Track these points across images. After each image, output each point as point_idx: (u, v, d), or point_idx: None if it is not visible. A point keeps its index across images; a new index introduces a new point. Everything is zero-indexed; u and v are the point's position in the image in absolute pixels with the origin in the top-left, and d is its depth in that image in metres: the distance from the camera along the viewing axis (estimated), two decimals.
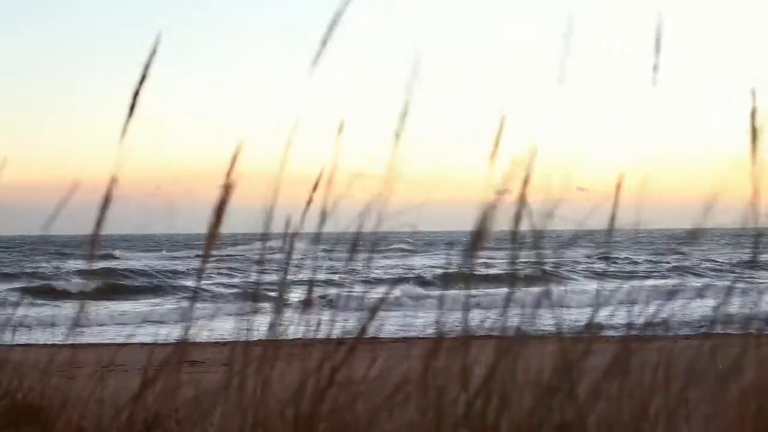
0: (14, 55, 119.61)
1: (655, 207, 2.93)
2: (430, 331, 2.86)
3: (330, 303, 2.94)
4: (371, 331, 2.76)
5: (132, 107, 2.95)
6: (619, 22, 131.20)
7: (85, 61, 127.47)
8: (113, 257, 52.67)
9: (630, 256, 45.62)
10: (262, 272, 2.98)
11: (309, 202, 2.92)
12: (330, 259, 3.05)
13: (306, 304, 2.90)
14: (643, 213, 2.84)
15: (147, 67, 2.95)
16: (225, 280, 29.89)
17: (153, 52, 2.94)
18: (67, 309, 22.73)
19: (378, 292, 2.87)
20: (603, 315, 2.79)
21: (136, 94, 2.95)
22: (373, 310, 2.80)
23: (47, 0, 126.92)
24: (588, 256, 42.17)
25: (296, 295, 2.96)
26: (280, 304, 2.88)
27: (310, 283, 2.96)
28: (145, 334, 16.63)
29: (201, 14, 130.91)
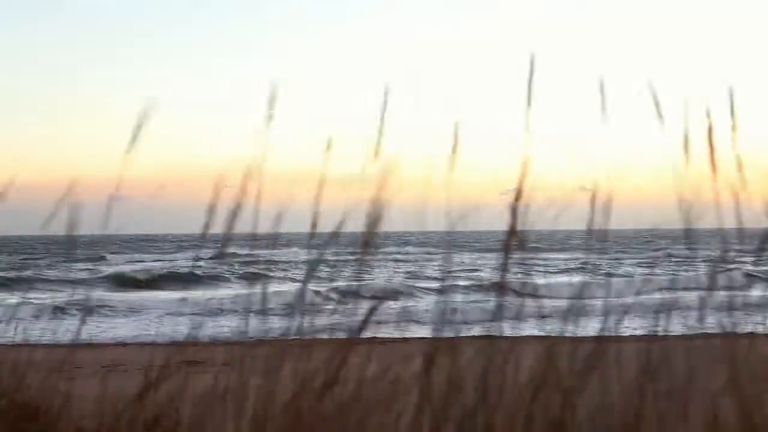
0: (14, 55, 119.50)
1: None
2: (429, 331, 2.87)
3: (338, 301, 2.94)
4: (371, 331, 2.76)
5: None
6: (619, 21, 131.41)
7: (85, 62, 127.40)
8: (104, 259, 52.42)
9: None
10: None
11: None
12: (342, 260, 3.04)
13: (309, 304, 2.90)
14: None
15: None
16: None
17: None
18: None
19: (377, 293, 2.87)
20: None
21: None
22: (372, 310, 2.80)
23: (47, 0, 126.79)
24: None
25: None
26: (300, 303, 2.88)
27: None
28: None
29: (201, 14, 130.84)
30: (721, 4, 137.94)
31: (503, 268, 2.83)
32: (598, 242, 2.87)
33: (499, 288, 2.89)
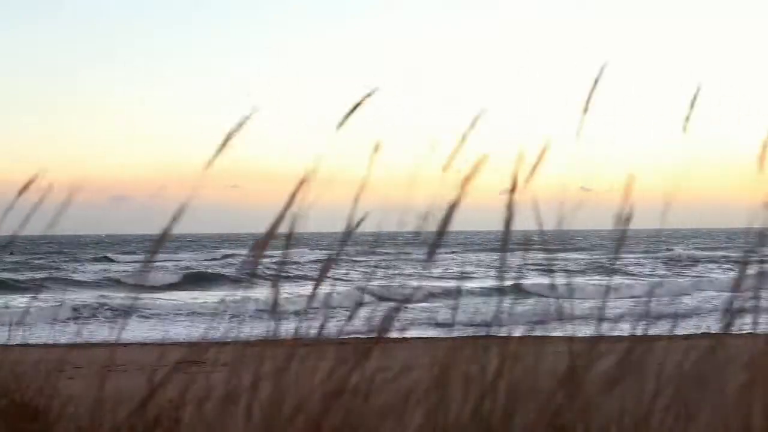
0: (14, 55, 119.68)
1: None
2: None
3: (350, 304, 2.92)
4: (387, 333, 2.75)
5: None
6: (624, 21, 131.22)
7: (85, 62, 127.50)
8: (108, 260, 52.35)
9: None
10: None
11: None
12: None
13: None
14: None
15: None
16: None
17: None
18: None
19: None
20: None
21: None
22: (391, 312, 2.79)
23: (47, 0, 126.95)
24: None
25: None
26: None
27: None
28: None
29: (201, 14, 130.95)
30: (722, 4, 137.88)
31: (548, 268, 2.82)
32: (615, 242, 2.86)
33: (518, 289, 2.88)
